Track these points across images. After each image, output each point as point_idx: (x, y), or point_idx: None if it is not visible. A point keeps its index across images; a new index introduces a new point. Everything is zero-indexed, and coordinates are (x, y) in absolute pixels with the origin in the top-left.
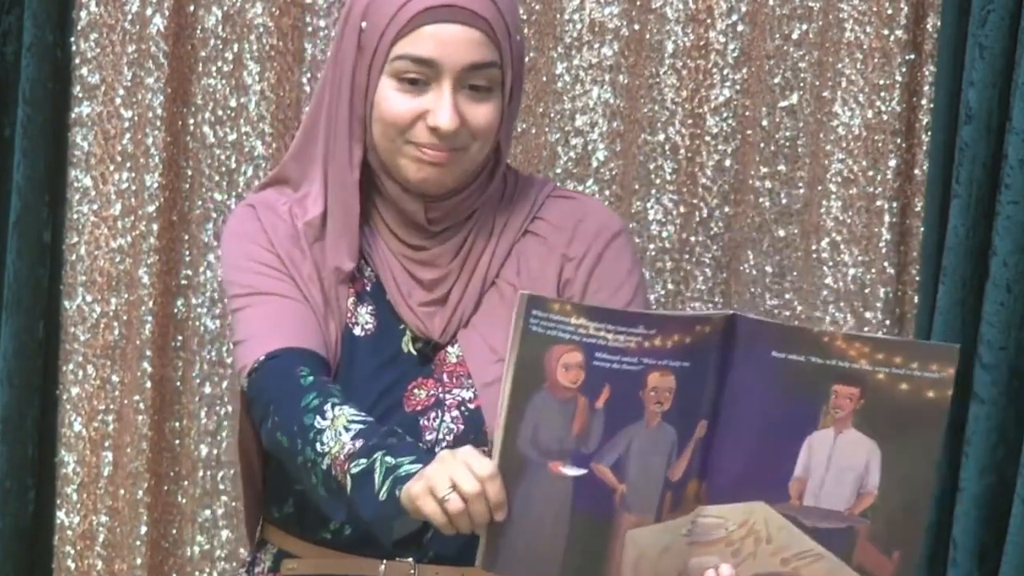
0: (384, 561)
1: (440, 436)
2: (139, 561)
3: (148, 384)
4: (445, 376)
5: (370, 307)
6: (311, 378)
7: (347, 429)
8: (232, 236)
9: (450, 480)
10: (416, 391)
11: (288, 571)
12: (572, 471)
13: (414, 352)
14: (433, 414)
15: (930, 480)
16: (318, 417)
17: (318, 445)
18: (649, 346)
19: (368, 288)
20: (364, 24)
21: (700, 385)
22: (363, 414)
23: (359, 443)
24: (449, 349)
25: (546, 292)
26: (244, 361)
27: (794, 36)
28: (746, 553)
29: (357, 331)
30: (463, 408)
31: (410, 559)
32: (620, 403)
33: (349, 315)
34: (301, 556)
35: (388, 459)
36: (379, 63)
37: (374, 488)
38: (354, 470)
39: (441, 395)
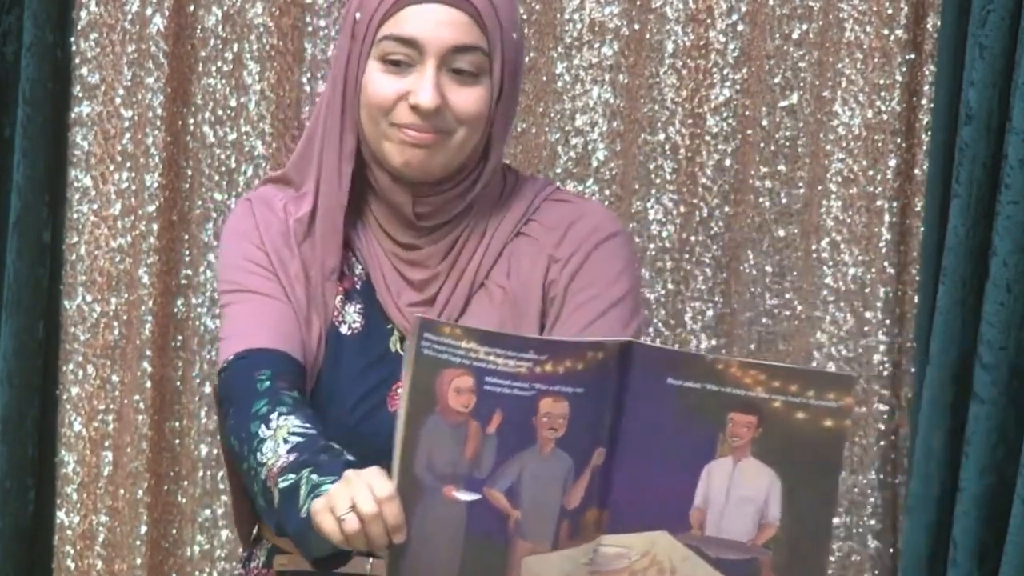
0: (371, 559)
1: None
2: (139, 561)
3: (148, 384)
4: None
5: (359, 306)
6: (267, 383)
7: (286, 441)
8: (228, 233)
9: (351, 500)
10: (400, 391)
11: (279, 567)
12: (465, 496)
13: (401, 352)
14: None
15: (831, 511)
16: (263, 426)
17: (259, 455)
18: (540, 371)
19: (358, 286)
20: (358, 15)
21: (596, 412)
22: (307, 426)
23: (292, 457)
24: None
25: (532, 293)
26: (219, 359)
27: (794, 36)
28: None
29: (344, 329)
30: None
31: None
32: (512, 428)
33: (336, 313)
34: (292, 552)
35: (314, 477)
36: (367, 47)
37: (298, 504)
38: (282, 484)
39: None
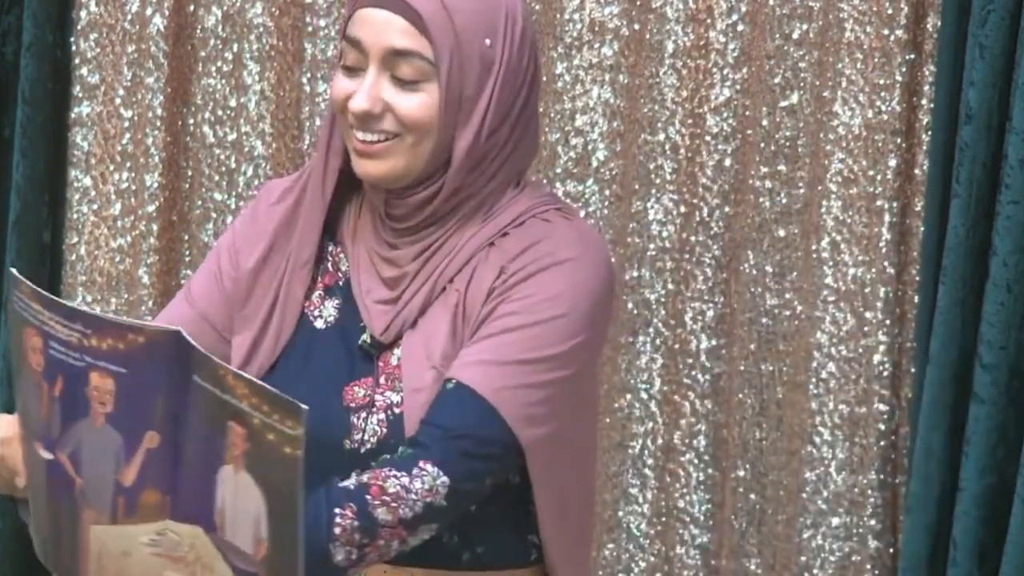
0: None
1: (365, 438)
2: None
3: None
4: (383, 378)
5: (337, 302)
6: None
7: None
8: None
9: None
10: (356, 388)
11: None
12: (45, 454)
13: (365, 349)
14: (364, 414)
15: (297, 538)
16: None
17: None
18: (88, 344)
19: (340, 283)
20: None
21: (143, 395)
22: None
23: None
24: (395, 351)
25: (476, 302)
26: None
27: (794, 36)
28: None
29: (319, 324)
30: (389, 412)
31: None
32: (70, 395)
33: (313, 307)
34: None
35: None
36: (340, 46)
37: None
38: None
39: (374, 396)
